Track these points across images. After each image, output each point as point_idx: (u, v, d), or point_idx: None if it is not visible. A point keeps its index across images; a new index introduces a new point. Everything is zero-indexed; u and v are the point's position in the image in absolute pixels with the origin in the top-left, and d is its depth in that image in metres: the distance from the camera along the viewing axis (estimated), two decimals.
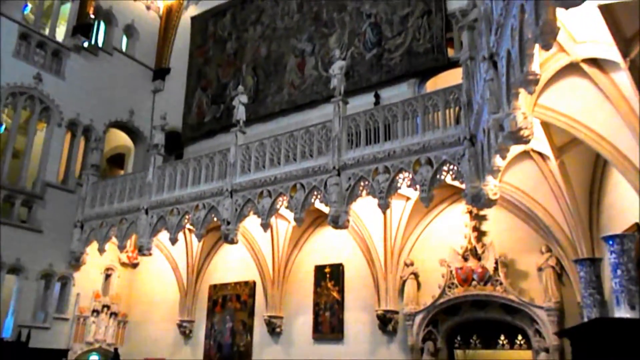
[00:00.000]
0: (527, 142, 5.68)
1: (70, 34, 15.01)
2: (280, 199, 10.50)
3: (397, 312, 10.24)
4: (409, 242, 10.46)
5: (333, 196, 9.68)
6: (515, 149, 7.60)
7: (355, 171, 9.67)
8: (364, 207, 10.20)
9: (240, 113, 11.93)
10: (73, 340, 13.00)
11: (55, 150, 13.99)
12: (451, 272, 9.71)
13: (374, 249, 10.51)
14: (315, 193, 10.07)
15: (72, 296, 13.37)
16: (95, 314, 13.54)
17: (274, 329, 11.56)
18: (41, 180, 13.50)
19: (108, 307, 13.84)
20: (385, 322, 10.26)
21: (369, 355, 10.29)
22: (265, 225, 10.57)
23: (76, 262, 13.38)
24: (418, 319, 9.83)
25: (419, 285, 10.20)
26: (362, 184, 9.59)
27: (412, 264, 10.31)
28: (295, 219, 10.31)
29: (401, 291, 10.30)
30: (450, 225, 10.13)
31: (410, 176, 9.02)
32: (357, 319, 10.71)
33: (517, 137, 5.45)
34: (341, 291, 11.00)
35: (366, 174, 9.53)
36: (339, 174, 9.78)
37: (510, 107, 5.41)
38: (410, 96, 10.53)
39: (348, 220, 9.69)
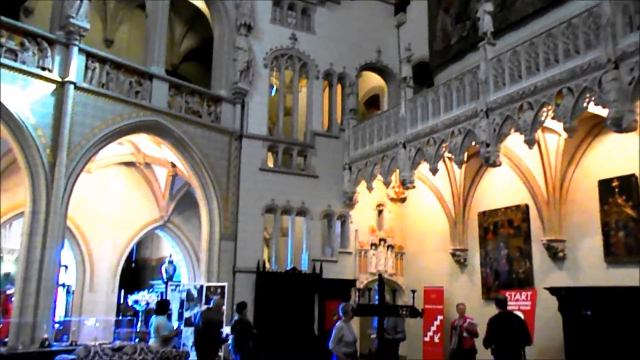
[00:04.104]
0: None
1: None
2: (544, 109, 9.17)
3: None
4: None
5: (611, 95, 7.97)
6: None
7: None
8: None
9: (486, 24, 10.77)
10: (358, 271, 14.22)
11: (317, 101, 15.13)
12: None
13: None
14: (588, 95, 8.45)
15: (351, 232, 14.58)
16: (373, 247, 14.52)
17: (555, 253, 10.44)
18: (310, 130, 14.84)
19: (384, 240, 14.67)
20: None
21: None
22: (530, 142, 9.41)
23: (350, 201, 14.48)
24: None
25: None
26: None
27: None
28: (565, 130, 8.90)
29: None
30: None
31: None
32: None
33: None
34: (636, 206, 9.15)
35: None
36: (616, 67, 7.97)
37: None
38: None
39: (636, 121, 7.89)
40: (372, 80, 17.19)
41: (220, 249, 12.87)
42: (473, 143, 10.64)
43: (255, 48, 14.31)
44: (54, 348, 8.61)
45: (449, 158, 11.82)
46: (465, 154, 11.11)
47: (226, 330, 9.72)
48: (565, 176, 10.41)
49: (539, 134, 9.81)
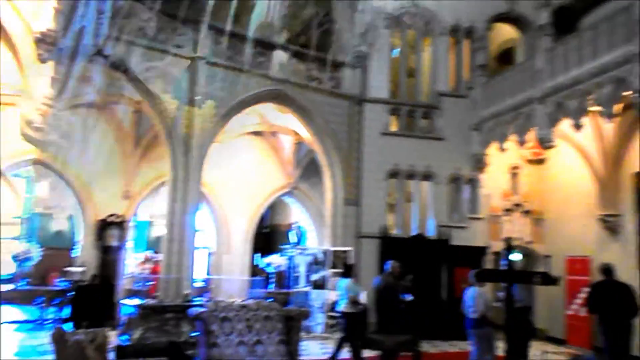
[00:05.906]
0: None
1: None
2: None
3: None
4: None
5: None
6: None
7: None
8: None
9: None
10: (489, 237, 13.37)
11: (442, 60, 14.26)
12: None
13: None
14: None
15: (481, 197, 13.67)
16: (507, 212, 13.53)
17: None
18: (434, 91, 14.06)
19: (520, 205, 13.60)
20: None
21: None
22: None
23: (479, 164, 13.50)
24: None
25: None
26: None
27: None
28: None
29: None
30: None
31: None
32: None
33: None
34: None
35: None
36: None
37: None
38: None
39: None
40: (505, 33, 15.74)
41: (344, 214, 12.89)
42: (626, 92, 9.26)
43: (375, 9, 13.80)
44: (194, 302, 9.26)
45: (597, 112, 10.47)
46: (617, 106, 9.74)
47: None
48: None
49: None
